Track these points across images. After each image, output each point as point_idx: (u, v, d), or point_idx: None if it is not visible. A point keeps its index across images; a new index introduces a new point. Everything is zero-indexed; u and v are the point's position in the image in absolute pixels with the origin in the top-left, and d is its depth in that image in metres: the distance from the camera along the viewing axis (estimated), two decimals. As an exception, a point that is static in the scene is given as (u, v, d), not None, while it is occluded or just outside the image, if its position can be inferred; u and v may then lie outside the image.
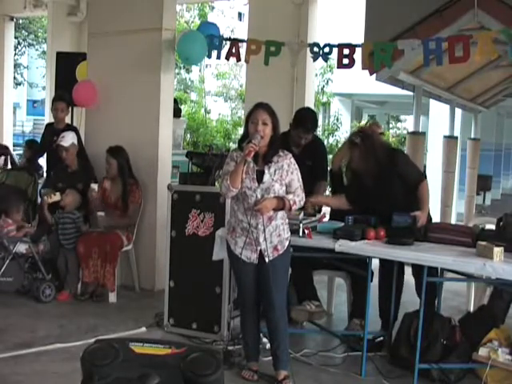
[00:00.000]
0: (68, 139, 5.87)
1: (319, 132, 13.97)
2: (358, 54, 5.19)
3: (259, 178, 3.68)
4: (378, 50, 5.06)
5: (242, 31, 14.48)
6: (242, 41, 5.83)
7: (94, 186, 5.68)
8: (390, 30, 5.24)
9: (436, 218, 7.99)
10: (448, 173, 8.28)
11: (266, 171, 3.69)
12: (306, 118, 4.93)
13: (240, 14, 25.09)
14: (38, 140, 7.56)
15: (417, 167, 4.67)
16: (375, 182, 4.39)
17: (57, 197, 5.59)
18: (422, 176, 4.55)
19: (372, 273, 4.14)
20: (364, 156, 4.35)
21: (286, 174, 3.72)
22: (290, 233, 3.86)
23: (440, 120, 10.49)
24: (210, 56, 5.80)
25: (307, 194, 3.98)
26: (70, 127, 6.47)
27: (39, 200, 6.60)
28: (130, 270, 5.87)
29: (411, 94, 7.24)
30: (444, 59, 4.90)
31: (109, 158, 5.64)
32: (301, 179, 3.79)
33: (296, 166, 3.78)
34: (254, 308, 3.90)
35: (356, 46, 5.23)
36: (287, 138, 4.86)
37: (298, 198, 3.74)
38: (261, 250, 3.72)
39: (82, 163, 6.00)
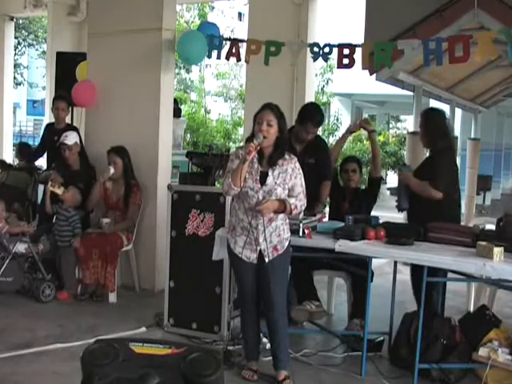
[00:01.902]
0: (71, 138, 5.88)
1: (319, 132, 13.97)
2: (358, 54, 5.19)
3: (262, 179, 3.68)
4: (378, 50, 5.07)
5: (242, 31, 14.47)
6: (242, 41, 5.83)
7: (111, 168, 5.62)
8: (390, 30, 5.26)
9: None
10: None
11: (270, 174, 3.69)
12: (314, 112, 4.93)
13: (240, 14, 25.11)
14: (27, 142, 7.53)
15: (445, 179, 4.45)
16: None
17: (60, 190, 5.57)
18: (440, 189, 4.36)
19: (372, 273, 4.15)
20: (422, 128, 4.66)
21: (289, 178, 3.71)
22: (289, 233, 3.86)
23: (440, 120, 10.48)
24: (210, 56, 5.80)
25: (311, 194, 3.99)
26: (71, 127, 6.48)
27: (39, 200, 6.62)
28: (130, 270, 5.87)
29: (411, 93, 7.26)
30: (444, 59, 4.91)
31: (114, 158, 5.63)
32: (304, 184, 3.77)
33: (300, 170, 3.77)
34: (253, 308, 3.90)
35: (356, 45, 5.23)
36: (289, 136, 4.88)
37: (299, 202, 3.72)
38: (260, 250, 3.72)
39: (84, 163, 6.01)
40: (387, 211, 5.24)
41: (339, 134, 14.89)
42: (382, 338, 4.45)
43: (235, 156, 3.75)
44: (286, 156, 3.75)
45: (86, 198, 5.76)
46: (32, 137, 20.98)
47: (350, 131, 5.28)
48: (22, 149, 7.53)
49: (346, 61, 5.26)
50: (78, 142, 5.98)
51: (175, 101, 7.12)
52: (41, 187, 6.71)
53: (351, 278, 4.83)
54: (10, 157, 9.92)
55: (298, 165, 3.77)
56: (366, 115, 25.89)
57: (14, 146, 11.68)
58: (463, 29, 5.07)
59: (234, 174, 3.61)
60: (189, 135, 14.34)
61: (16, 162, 8.52)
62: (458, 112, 9.79)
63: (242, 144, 3.92)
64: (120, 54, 6.03)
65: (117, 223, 5.64)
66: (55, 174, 5.74)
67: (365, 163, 7.00)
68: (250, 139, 3.72)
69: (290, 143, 4.69)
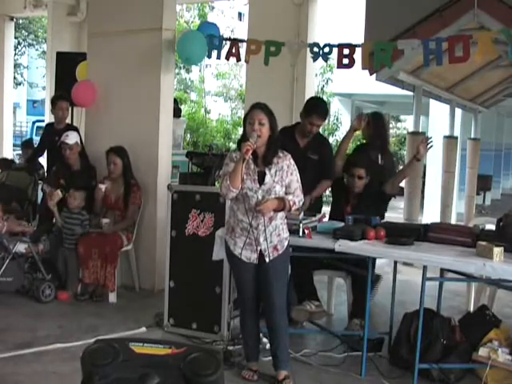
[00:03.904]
0: (72, 137, 5.89)
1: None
2: (358, 54, 5.19)
3: (260, 179, 3.69)
4: (378, 49, 5.06)
5: (242, 31, 14.49)
6: (242, 41, 5.82)
7: (102, 186, 5.64)
8: (390, 30, 5.25)
9: (436, 218, 8.01)
10: (448, 173, 8.29)
11: (267, 172, 3.69)
12: (319, 105, 4.98)
13: (240, 14, 25.12)
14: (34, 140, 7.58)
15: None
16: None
17: (59, 195, 5.59)
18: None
19: (372, 273, 4.14)
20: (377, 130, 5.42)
21: (285, 175, 3.72)
22: (288, 233, 3.86)
23: (440, 120, 10.50)
24: (210, 56, 5.80)
25: (312, 190, 3.99)
26: (71, 127, 6.48)
27: (39, 200, 6.63)
28: (130, 270, 5.87)
29: (411, 93, 7.25)
30: (444, 59, 4.91)
31: (114, 158, 5.63)
32: (300, 180, 3.78)
33: (295, 166, 3.78)
34: (253, 308, 3.89)
35: (356, 45, 5.23)
36: (293, 130, 4.88)
37: (297, 198, 3.74)
38: (261, 250, 3.72)
39: (85, 163, 6.00)
40: (387, 211, 5.23)
41: (339, 133, 14.89)
42: (382, 338, 4.45)
43: (230, 159, 3.75)
44: (280, 154, 3.76)
45: (86, 198, 5.77)
46: (21, 137, 20.96)
47: (353, 129, 5.22)
48: (27, 143, 7.62)
49: (345, 61, 5.25)
50: (79, 141, 5.98)
51: (175, 101, 7.13)
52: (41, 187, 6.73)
53: (351, 278, 4.82)
54: (9, 157, 9.92)
55: (292, 161, 3.78)
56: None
57: (14, 146, 11.72)
58: (463, 29, 5.07)
59: (232, 176, 3.61)
60: (189, 135, 14.36)
61: (18, 160, 8.58)
62: (458, 112, 9.76)
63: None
64: (120, 54, 6.03)
65: (116, 223, 5.64)
66: (49, 189, 5.75)
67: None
68: (241, 140, 3.74)
69: (293, 139, 4.77)
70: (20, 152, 9.06)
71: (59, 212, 5.68)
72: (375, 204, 4.94)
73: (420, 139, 4.93)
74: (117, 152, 5.65)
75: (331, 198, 5.22)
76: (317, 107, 4.89)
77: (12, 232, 5.39)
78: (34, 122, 20.33)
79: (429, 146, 4.64)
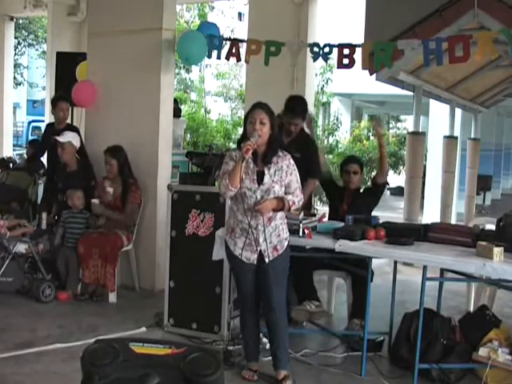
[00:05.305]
0: (66, 137, 5.89)
1: (319, 132, 13.99)
2: (358, 54, 5.18)
3: (259, 179, 3.68)
4: (378, 49, 5.06)
5: (242, 31, 14.48)
6: (242, 41, 5.82)
7: (109, 190, 5.65)
8: (390, 30, 5.25)
9: (436, 218, 8.02)
10: (448, 173, 8.29)
11: (266, 172, 3.69)
12: (293, 103, 4.91)
13: (240, 14, 25.12)
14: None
15: None
16: None
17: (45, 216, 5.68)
18: None
19: (372, 273, 4.14)
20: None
21: (285, 175, 3.72)
22: (288, 233, 3.86)
23: (440, 120, 10.50)
24: (210, 56, 5.80)
25: None
26: (71, 127, 6.47)
27: (39, 200, 6.64)
28: (130, 270, 5.87)
29: (411, 94, 7.25)
30: (444, 59, 4.91)
31: (109, 159, 5.64)
32: (299, 180, 3.78)
33: (295, 166, 3.78)
34: (253, 308, 3.90)
35: (356, 45, 5.22)
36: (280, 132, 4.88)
37: (296, 198, 3.74)
38: (260, 251, 3.72)
39: (82, 163, 5.99)
40: (387, 211, 5.24)
41: (339, 133, 14.88)
42: (382, 337, 4.45)
43: (229, 158, 3.75)
44: (280, 153, 3.76)
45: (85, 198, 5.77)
46: (16, 137, 20.96)
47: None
48: (32, 143, 7.69)
49: (346, 61, 5.25)
50: (74, 142, 5.94)
51: (175, 101, 7.13)
52: (41, 187, 6.74)
53: (351, 278, 4.82)
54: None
55: (292, 161, 3.77)
56: (365, 115, 25.89)
57: (14, 146, 11.74)
58: (463, 29, 5.07)
59: (231, 175, 3.61)
60: (189, 135, 14.33)
61: (18, 160, 8.60)
62: (458, 112, 9.75)
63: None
64: (120, 54, 6.03)
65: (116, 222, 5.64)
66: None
67: (364, 163, 6.95)
68: (241, 140, 3.74)
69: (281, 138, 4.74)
70: (19, 152, 9.09)
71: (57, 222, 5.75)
72: (370, 198, 4.99)
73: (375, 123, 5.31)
74: (112, 153, 5.65)
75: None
76: (292, 106, 4.85)
77: (12, 236, 5.37)
78: (29, 122, 20.35)
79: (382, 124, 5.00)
